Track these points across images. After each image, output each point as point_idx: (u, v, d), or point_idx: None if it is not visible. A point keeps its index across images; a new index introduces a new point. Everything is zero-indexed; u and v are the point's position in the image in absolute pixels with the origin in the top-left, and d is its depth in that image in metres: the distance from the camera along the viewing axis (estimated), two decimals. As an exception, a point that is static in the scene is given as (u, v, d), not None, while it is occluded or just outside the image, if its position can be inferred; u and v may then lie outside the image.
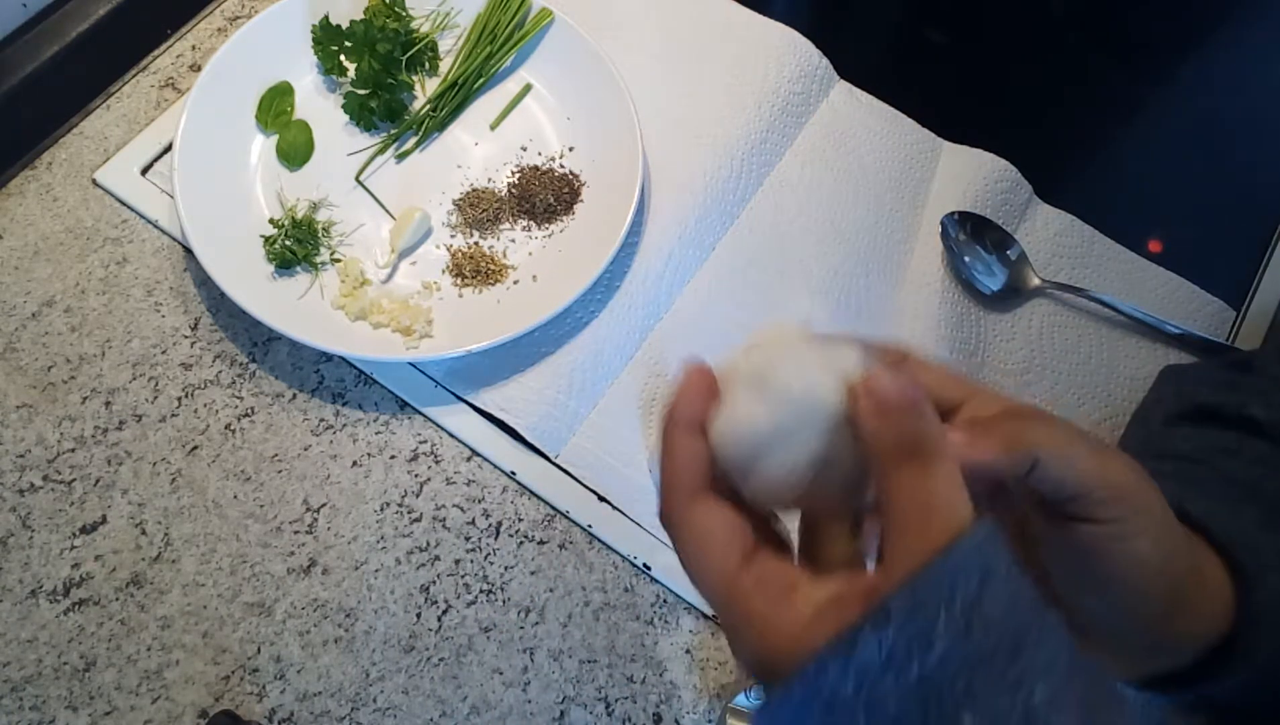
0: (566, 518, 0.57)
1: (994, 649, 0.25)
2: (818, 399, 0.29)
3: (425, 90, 0.69)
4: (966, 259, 0.67)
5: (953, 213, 0.67)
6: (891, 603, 0.25)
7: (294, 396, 0.59)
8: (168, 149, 0.65)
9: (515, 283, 0.63)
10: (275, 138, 0.65)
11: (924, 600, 0.25)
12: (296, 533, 0.56)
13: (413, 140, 0.67)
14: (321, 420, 0.59)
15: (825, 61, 0.73)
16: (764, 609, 0.28)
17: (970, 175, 0.70)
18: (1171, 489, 0.29)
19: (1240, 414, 0.46)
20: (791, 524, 0.33)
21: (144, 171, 0.65)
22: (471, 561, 0.56)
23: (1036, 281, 0.67)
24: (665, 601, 0.56)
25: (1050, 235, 0.70)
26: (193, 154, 0.61)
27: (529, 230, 0.65)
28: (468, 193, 0.65)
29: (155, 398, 0.58)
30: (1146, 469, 0.31)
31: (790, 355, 0.30)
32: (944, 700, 0.24)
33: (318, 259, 0.61)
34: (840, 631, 0.25)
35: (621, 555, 0.57)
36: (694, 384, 0.31)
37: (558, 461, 0.59)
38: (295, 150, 0.65)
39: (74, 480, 0.56)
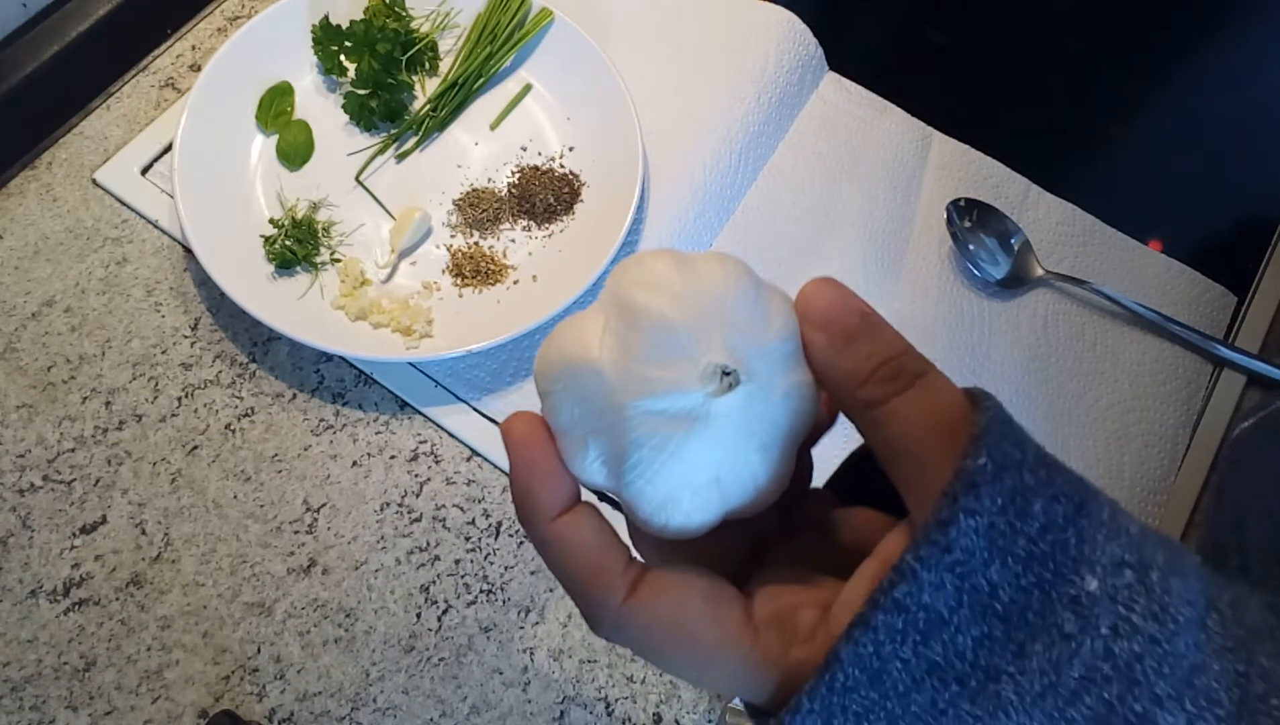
0: (566, 518, 0.57)
1: (1081, 493, 0.21)
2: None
3: (425, 90, 0.69)
4: (971, 246, 0.67)
5: (958, 199, 0.68)
6: (976, 475, 0.20)
7: (294, 396, 0.59)
8: (168, 149, 0.65)
9: (515, 283, 0.63)
10: (275, 138, 0.65)
11: (1004, 463, 0.20)
12: (296, 533, 0.56)
13: (413, 140, 0.67)
14: (321, 420, 0.59)
15: (820, 51, 0.74)
16: (809, 654, 0.22)
17: (961, 167, 0.71)
18: None
19: None
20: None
21: (144, 171, 0.65)
22: (471, 561, 0.56)
23: (1040, 271, 0.67)
24: (665, 601, 0.56)
25: (1052, 224, 0.70)
26: (193, 154, 0.61)
27: (529, 230, 0.65)
28: (468, 193, 0.65)
29: (155, 398, 0.58)
30: None
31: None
32: (1061, 566, 0.20)
33: (318, 259, 0.61)
34: (922, 527, 0.20)
35: (621, 555, 0.57)
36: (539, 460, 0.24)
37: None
38: (295, 150, 0.65)
39: (74, 480, 0.56)
